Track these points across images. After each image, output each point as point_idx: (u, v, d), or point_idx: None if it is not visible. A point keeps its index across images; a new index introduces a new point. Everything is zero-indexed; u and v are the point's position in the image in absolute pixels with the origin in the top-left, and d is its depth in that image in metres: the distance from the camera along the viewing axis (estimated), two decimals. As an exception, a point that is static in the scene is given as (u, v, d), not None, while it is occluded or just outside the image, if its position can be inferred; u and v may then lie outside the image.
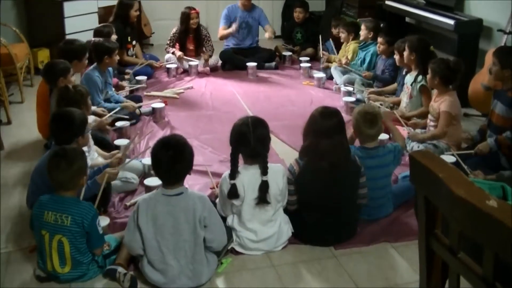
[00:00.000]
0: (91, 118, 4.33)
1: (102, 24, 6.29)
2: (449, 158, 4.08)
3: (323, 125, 3.40)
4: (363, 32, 6.40)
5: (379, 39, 5.98)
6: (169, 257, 3.02)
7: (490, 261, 1.45)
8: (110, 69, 5.50)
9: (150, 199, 3.07)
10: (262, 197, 3.34)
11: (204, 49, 7.15)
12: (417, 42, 5.14)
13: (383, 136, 4.57)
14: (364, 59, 6.40)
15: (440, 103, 4.55)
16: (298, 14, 7.65)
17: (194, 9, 7.00)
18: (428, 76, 4.62)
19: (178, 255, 3.03)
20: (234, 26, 7.17)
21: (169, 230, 3.01)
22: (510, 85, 4.25)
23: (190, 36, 7.10)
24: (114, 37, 5.94)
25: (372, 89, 5.90)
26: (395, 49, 5.44)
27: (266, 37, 7.37)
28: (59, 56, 4.92)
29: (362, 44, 6.50)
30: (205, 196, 3.18)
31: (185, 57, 7.00)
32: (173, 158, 3.00)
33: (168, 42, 7.13)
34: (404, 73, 5.45)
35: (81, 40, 5.24)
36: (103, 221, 3.41)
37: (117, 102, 5.39)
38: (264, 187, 3.34)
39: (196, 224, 3.03)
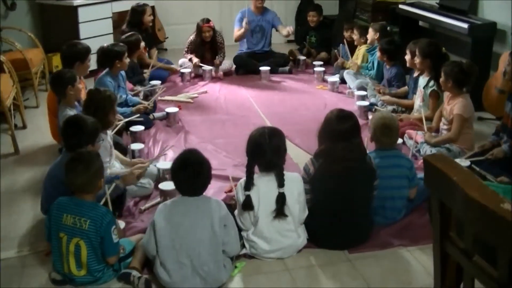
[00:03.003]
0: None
1: (129, 33, 6.14)
2: (463, 162, 4.07)
3: (339, 128, 3.40)
4: (370, 35, 6.39)
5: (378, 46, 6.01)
6: (183, 255, 3.02)
7: (505, 264, 1.45)
8: (123, 73, 5.51)
9: (169, 202, 3.17)
10: (280, 210, 3.32)
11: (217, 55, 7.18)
12: (428, 47, 5.11)
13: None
14: (373, 64, 6.40)
15: (453, 105, 4.53)
16: (312, 18, 7.64)
17: (207, 22, 6.89)
18: (441, 79, 4.59)
19: (192, 254, 3.02)
20: (244, 22, 7.12)
21: (185, 229, 3.03)
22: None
23: (207, 45, 7.08)
24: (142, 44, 5.97)
25: (384, 90, 5.89)
26: (408, 49, 5.40)
27: (283, 34, 7.35)
28: (62, 59, 4.95)
29: (369, 48, 6.50)
30: (220, 201, 3.23)
31: (201, 64, 6.99)
32: (193, 175, 3.07)
33: (186, 49, 7.13)
34: (415, 75, 5.43)
35: (84, 43, 5.18)
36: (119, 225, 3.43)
37: (133, 105, 5.45)
38: (281, 200, 3.32)
39: (213, 224, 3.05)
